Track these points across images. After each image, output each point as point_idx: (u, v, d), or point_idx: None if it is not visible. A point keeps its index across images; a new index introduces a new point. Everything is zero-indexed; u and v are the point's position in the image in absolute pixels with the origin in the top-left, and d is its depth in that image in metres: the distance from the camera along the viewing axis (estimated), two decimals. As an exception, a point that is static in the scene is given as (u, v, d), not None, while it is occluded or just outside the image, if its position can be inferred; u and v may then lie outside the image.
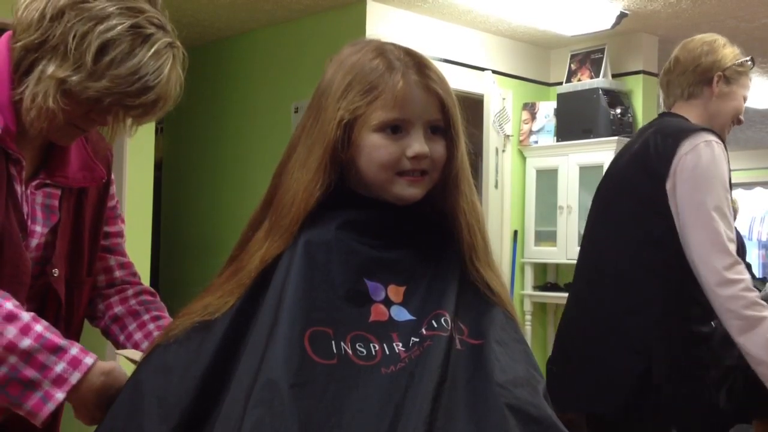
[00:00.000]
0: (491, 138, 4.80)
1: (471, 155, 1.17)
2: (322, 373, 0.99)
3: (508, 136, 4.96)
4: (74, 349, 1.12)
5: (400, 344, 1.04)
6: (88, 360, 1.12)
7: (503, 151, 4.90)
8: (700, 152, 1.99)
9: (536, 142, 5.05)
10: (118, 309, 1.42)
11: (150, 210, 4.10)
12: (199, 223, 5.25)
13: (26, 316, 1.11)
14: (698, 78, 2.18)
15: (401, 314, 1.07)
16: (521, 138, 5.10)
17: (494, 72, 4.87)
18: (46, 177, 1.26)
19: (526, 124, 5.11)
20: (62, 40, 1.12)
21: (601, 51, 4.84)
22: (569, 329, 2.20)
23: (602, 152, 4.64)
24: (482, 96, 4.75)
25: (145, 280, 3.94)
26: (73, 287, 1.34)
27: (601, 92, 4.69)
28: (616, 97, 4.78)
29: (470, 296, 1.12)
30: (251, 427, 0.95)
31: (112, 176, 1.42)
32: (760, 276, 8.37)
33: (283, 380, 0.97)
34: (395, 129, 1.09)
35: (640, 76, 4.90)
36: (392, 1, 4.34)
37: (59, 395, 1.09)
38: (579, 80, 4.89)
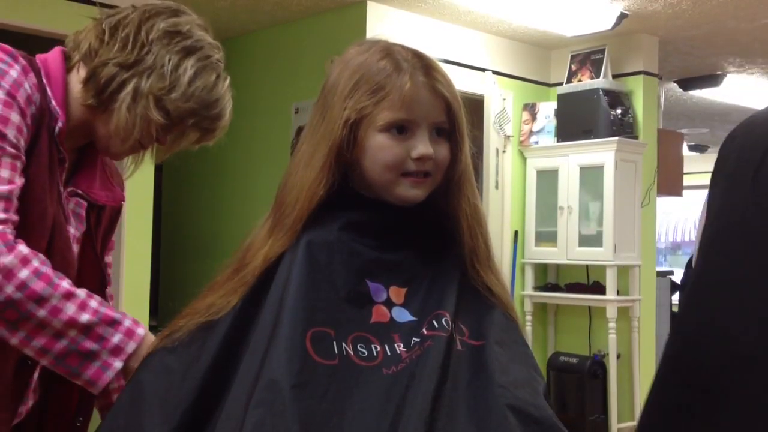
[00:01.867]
0: (492, 138, 4.80)
1: (473, 157, 1.17)
2: (324, 373, 0.99)
3: (509, 136, 4.96)
4: (128, 321, 1.21)
5: (401, 345, 1.04)
6: (141, 331, 1.22)
7: (504, 151, 4.90)
8: None
9: (537, 142, 5.05)
10: None
11: (150, 210, 4.10)
12: (200, 224, 5.26)
13: (81, 293, 1.19)
14: None
15: (402, 315, 1.07)
16: (522, 138, 5.10)
17: (495, 72, 4.88)
18: (76, 187, 1.35)
19: (527, 124, 5.11)
20: (160, 63, 1.27)
21: (602, 52, 4.84)
22: None
23: (603, 153, 4.65)
24: (483, 96, 4.76)
25: (145, 280, 3.98)
26: None
27: (601, 93, 4.69)
28: (616, 98, 4.78)
29: (471, 298, 1.12)
30: (252, 428, 0.95)
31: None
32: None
33: (285, 381, 0.97)
34: (401, 130, 1.09)
35: (641, 76, 4.90)
36: (392, 2, 4.34)
37: (117, 363, 1.18)
38: (579, 81, 4.90)
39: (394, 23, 4.38)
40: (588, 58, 4.91)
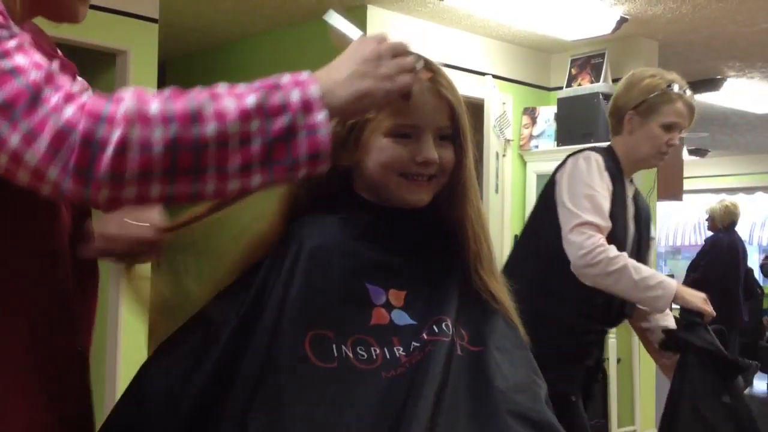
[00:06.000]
0: (492, 142, 4.80)
1: (476, 161, 1.17)
2: (323, 376, 0.99)
3: (509, 140, 4.96)
4: (286, 77, 0.94)
5: (401, 348, 1.04)
6: (304, 73, 0.95)
7: (504, 155, 4.90)
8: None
9: (537, 146, 5.05)
10: None
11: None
12: (200, 226, 5.25)
13: (220, 86, 0.92)
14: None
15: (402, 318, 1.07)
16: (522, 142, 5.10)
17: (494, 77, 4.88)
18: None
19: (527, 128, 5.11)
20: None
21: (602, 56, 4.84)
22: None
23: (603, 157, 4.64)
24: (482, 101, 4.76)
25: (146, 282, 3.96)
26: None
27: (601, 97, 4.69)
28: (616, 102, 4.78)
29: (471, 303, 1.12)
30: (252, 431, 0.95)
31: None
32: (762, 280, 8.34)
33: (284, 383, 0.97)
34: (405, 134, 1.09)
35: (641, 80, 4.90)
36: (392, 6, 4.34)
37: (319, 117, 0.91)
38: (579, 85, 4.90)
39: (395, 27, 4.39)
40: (588, 62, 4.92)
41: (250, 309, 1.07)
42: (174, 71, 5.35)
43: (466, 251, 1.13)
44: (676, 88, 2.26)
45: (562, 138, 4.89)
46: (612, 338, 4.66)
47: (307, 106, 0.91)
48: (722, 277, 6.21)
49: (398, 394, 0.99)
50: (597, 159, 2.23)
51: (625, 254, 2.13)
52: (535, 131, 5.08)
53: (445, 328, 1.05)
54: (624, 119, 2.29)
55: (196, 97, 0.89)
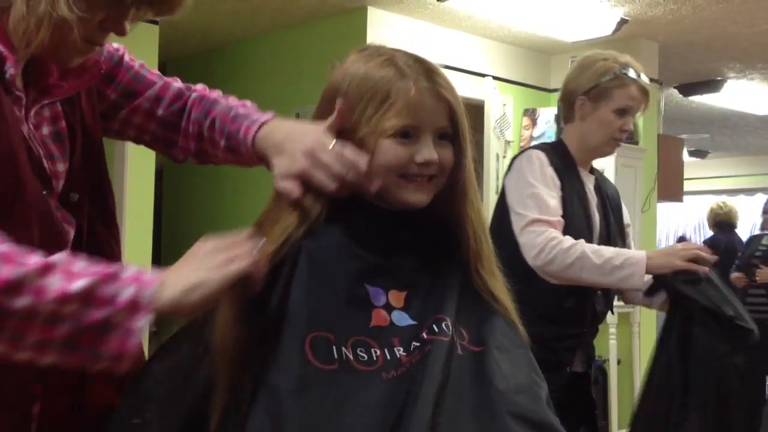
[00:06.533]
0: (492, 144, 4.81)
1: (475, 162, 1.17)
2: (323, 378, 0.99)
3: (509, 141, 4.96)
4: (129, 270, 0.94)
5: (402, 349, 1.04)
6: (149, 274, 0.95)
7: (504, 156, 4.90)
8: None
9: (537, 147, 5.05)
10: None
11: (151, 214, 4.10)
12: (200, 228, 5.25)
13: (60, 258, 0.92)
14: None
15: (402, 319, 1.07)
16: (522, 144, 5.10)
17: (495, 78, 4.88)
18: (41, 96, 1.07)
19: (527, 129, 5.11)
20: None
21: (602, 57, 4.84)
22: None
23: (602, 158, 4.63)
24: (483, 102, 4.76)
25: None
26: (96, 219, 1.16)
27: (601, 98, 4.69)
28: (616, 103, 4.78)
29: (471, 303, 1.12)
30: (252, 433, 0.95)
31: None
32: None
33: (284, 386, 0.97)
34: (406, 135, 1.10)
35: (641, 82, 4.90)
36: (393, 7, 4.35)
37: (140, 322, 0.91)
38: (579, 86, 4.90)
39: (395, 28, 4.39)
40: (588, 64, 4.92)
41: (251, 308, 1.07)
42: (174, 73, 5.34)
43: (466, 251, 1.13)
44: (630, 72, 2.17)
45: (562, 139, 4.89)
46: (612, 339, 4.66)
47: (133, 308, 0.91)
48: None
49: (399, 394, 0.99)
50: (538, 156, 2.13)
51: (581, 241, 2.01)
52: (536, 132, 5.08)
53: (444, 327, 1.05)
54: (575, 105, 2.20)
55: (30, 266, 0.89)
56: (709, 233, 6.94)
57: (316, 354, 1.00)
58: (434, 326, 1.06)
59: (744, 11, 4.32)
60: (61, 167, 1.09)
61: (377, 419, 0.97)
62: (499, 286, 1.15)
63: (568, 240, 2.00)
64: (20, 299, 0.87)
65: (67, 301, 0.89)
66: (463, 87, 4.58)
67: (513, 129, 5.01)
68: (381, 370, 1.01)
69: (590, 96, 2.16)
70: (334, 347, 1.01)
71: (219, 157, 1.29)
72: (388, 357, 1.03)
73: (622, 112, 2.16)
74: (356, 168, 1.07)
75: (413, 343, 1.05)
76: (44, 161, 1.07)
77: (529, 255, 2.00)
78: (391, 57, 1.12)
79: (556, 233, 2.01)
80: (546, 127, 5.05)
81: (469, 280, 1.13)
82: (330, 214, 1.11)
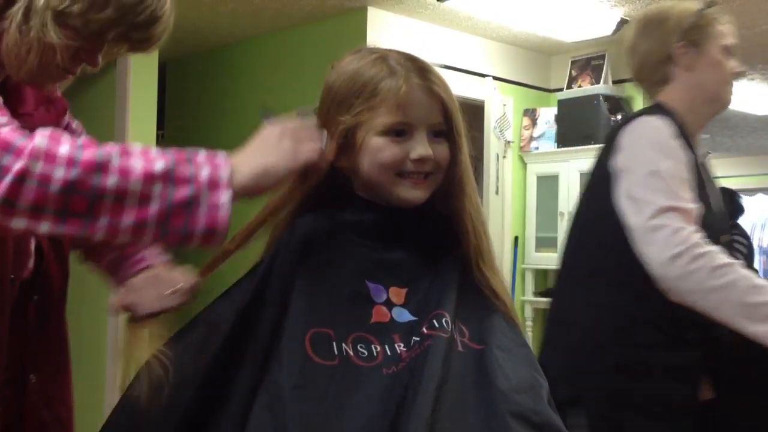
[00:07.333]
0: (492, 144, 4.81)
1: (473, 159, 1.18)
2: (324, 374, 0.99)
3: (509, 142, 4.96)
4: (201, 153, 0.99)
5: (402, 344, 1.05)
6: (220, 156, 0.99)
7: (504, 157, 4.90)
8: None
9: (537, 148, 5.06)
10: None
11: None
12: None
13: (135, 145, 0.97)
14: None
15: (403, 315, 1.08)
16: (522, 144, 5.10)
17: (495, 78, 4.88)
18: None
19: (527, 130, 5.11)
20: None
21: (602, 57, 4.85)
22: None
23: (603, 158, 4.64)
24: (483, 102, 4.76)
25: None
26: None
27: (601, 98, 4.70)
28: (616, 104, 4.78)
29: (471, 299, 1.12)
30: (253, 430, 0.95)
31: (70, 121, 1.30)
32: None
33: (285, 382, 0.98)
34: (399, 132, 1.10)
35: (641, 82, 4.90)
36: (393, 8, 4.35)
37: (224, 196, 0.95)
38: (580, 86, 4.90)
39: (395, 29, 4.39)
40: (588, 64, 4.92)
41: (251, 308, 1.07)
42: (174, 73, 5.36)
43: (466, 246, 1.14)
44: (716, 8, 1.77)
45: (562, 140, 4.89)
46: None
47: (213, 184, 0.95)
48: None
49: (399, 389, 1.00)
50: (659, 124, 1.64)
51: (736, 263, 1.47)
52: (536, 133, 5.08)
53: (444, 323, 1.06)
54: (671, 59, 1.73)
55: (109, 150, 0.93)
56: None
57: (317, 350, 1.01)
58: (434, 321, 1.06)
59: (743, 12, 4.33)
60: None
61: (377, 414, 0.98)
62: (499, 281, 1.15)
63: (719, 255, 1.47)
64: (109, 178, 0.91)
65: (153, 181, 0.93)
66: (464, 87, 4.58)
67: (513, 129, 5.01)
68: (381, 365, 1.02)
69: (691, 40, 1.72)
70: (334, 343, 1.02)
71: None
72: (389, 353, 1.03)
73: (730, 50, 1.76)
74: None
75: (413, 338, 1.05)
76: None
77: (657, 257, 1.48)
78: (382, 55, 1.13)
79: (700, 238, 1.49)
80: (546, 127, 5.05)
81: (467, 276, 1.14)
82: (330, 211, 1.12)
